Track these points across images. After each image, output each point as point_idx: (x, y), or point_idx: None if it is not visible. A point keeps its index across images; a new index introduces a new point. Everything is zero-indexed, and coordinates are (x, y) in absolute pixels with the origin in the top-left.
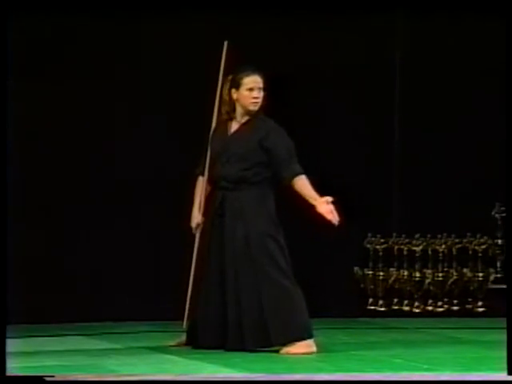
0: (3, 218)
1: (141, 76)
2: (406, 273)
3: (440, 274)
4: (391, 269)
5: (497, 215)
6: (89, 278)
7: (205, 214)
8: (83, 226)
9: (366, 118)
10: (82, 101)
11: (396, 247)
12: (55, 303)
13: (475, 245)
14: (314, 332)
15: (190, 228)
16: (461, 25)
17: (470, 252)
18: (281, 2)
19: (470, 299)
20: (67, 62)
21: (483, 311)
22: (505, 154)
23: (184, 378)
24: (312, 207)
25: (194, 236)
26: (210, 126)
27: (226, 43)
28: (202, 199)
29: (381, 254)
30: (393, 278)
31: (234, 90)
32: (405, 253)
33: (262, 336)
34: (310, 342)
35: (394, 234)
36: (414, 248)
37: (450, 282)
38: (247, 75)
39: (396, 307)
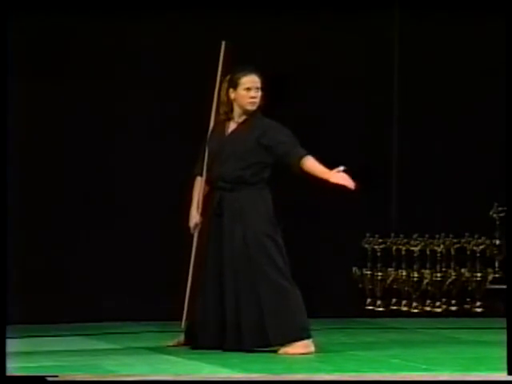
0: (3, 218)
1: (140, 76)
2: (404, 273)
3: (438, 274)
4: (389, 269)
5: (495, 215)
6: (88, 279)
7: (203, 214)
8: (82, 227)
9: (364, 118)
10: (82, 101)
11: (394, 247)
12: (54, 303)
13: (473, 245)
14: (313, 332)
15: (189, 228)
16: (460, 24)
17: (468, 252)
18: (280, 1)
19: (468, 299)
20: (67, 62)
21: (481, 311)
22: (503, 155)
23: (182, 378)
24: (324, 184)
25: (192, 236)
26: (208, 126)
27: (223, 43)
28: (200, 199)
29: (379, 254)
30: (391, 278)
31: (231, 90)
32: (403, 253)
33: (260, 336)
34: (308, 342)
35: (393, 234)
36: (413, 248)
37: (448, 282)
38: (245, 75)
39: (394, 307)
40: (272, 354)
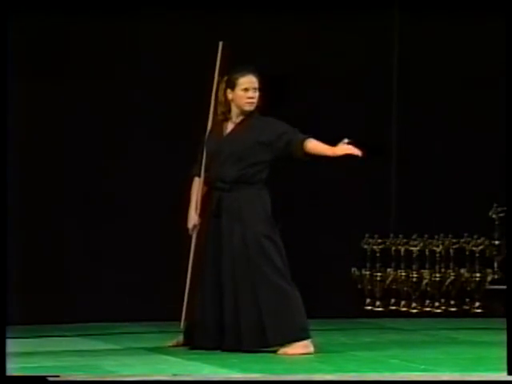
0: (3, 218)
1: (140, 76)
2: (403, 273)
3: (437, 275)
4: (388, 269)
5: (494, 216)
6: (88, 279)
7: (201, 215)
8: (82, 227)
9: (363, 118)
10: (81, 100)
11: (393, 248)
12: (54, 304)
13: (472, 245)
14: (312, 333)
15: (187, 229)
16: (460, 24)
17: (468, 253)
18: (280, 1)
19: (467, 300)
20: (67, 62)
21: (480, 312)
22: (503, 155)
23: (182, 378)
24: (331, 160)
25: (191, 237)
26: (206, 127)
27: (221, 43)
28: (199, 200)
29: (378, 254)
30: (390, 279)
31: (229, 91)
32: (402, 253)
33: (259, 337)
34: (307, 342)
35: (392, 235)
36: (412, 248)
37: (447, 283)
38: (242, 75)
39: (393, 308)
40: (271, 355)
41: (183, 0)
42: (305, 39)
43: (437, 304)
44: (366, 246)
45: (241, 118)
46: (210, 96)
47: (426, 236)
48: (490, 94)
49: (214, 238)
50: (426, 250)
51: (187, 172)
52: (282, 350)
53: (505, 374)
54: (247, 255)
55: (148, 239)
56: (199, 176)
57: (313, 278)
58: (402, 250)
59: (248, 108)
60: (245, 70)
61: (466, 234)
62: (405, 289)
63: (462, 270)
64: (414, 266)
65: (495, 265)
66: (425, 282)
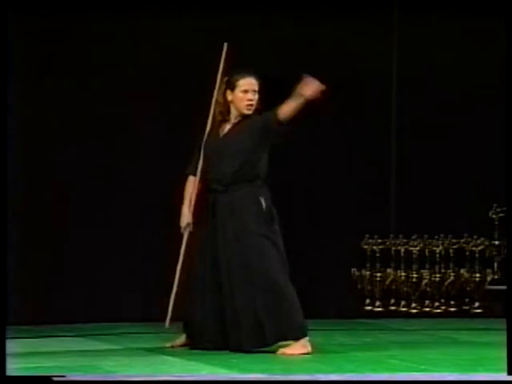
0: (3, 218)
1: (140, 76)
2: (403, 273)
3: (437, 275)
4: (388, 269)
5: (494, 216)
6: (86, 279)
7: (195, 214)
8: (82, 226)
9: (363, 118)
10: (81, 100)
11: (393, 248)
12: (52, 304)
13: (472, 246)
14: (311, 332)
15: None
16: (459, 25)
17: (467, 253)
18: (279, 2)
19: (467, 300)
20: (67, 62)
21: (480, 312)
22: (502, 155)
23: (181, 378)
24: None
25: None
26: (205, 127)
27: (225, 45)
28: (193, 198)
29: (378, 254)
30: (390, 279)
31: (229, 92)
32: (402, 254)
33: (256, 336)
34: (305, 342)
35: (391, 235)
36: (411, 249)
37: (447, 283)
38: (242, 77)
39: (393, 308)
40: (271, 355)
41: (184, 1)
42: (305, 39)
43: (436, 304)
44: (365, 247)
45: (238, 119)
46: (211, 97)
47: (426, 236)
48: (490, 94)
49: (209, 240)
50: (426, 251)
51: (183, 171)
52: (281, 351)
53: (505, 374)
54: (242, 255)
55: (148, 239)
56: (194, 175)
57: (313, 278)
58: (402, 250)
59: (247, 111)
60: (245, 72)
61: (465, 235)
62: (405, 289)
63: (462, 271)
64: (414, 267)
65: (495, 265)
66: (424, 282)
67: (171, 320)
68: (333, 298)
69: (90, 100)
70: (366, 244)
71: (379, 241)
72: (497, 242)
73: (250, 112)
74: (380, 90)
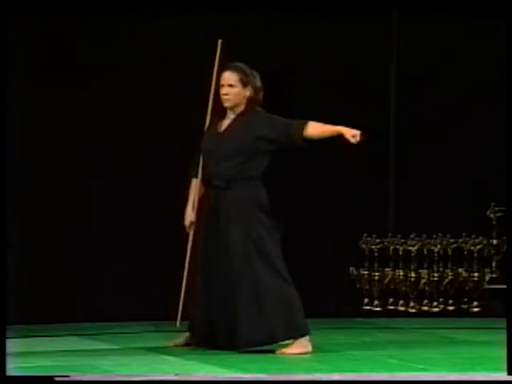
0: (3, 218)
1: (140, 76)
2: (401, 273)
3: (435, 274)
4: (387, 269)
5: (492, 215)
6: (85, 279)
7: (199, 213)
8: (81, 226)
9: (361, 118)
10: (81, 100)
11: (391, 247)
12: (50, 304)
13: (471, 245)
14: (310, 332)
15: (184, 227)
16: (459, 25)
17: (466, 252)
18: (279, 1)
19: (465, 299)
20: (67, 62)
21: (478, 311)
22: (500, 155)
23: (180, 378)
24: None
25: (187, 236)
26: (203, 126)
27: (220, 42)
28: (196, 198)
29: (376, 254)
30: (388, 278)
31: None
32: (400, 253)
33: (259, 335)
34: (305, 342)
35: (390, 234)
36: (410, 248)
37: (445, 282)
38: (222, 72)
39: (391, 307)
40: (269, 354)
41: (183, 1)
42: (304, 39)
43: (435, 303)
44: (364, 246)
45: (234, 115)
46: (208, 94)
47: (424, 236)
48: (489, 94)
49: (211, 237)
50: (424, 250)
51: (185, 171)
52: (280, 350)
53: (504, 373)
54: (244, 253)
55: (146, 239)
56: (196, 177)
57: (311, 277)
58: (400, 249)
59: (224, 104)
60: (226, 66)
61: (464, 234)
62: (403, 288)
63: (460, 270)
64: (412, 266)
65: (493, 264)
66: (423, 281)
67: (182, 319)
68: (331, 298)
69: (90, 100)
70: (364, 243)
71: (377, 240)
72: (495, 241)
73: (227, 104)
74: (379, 90)
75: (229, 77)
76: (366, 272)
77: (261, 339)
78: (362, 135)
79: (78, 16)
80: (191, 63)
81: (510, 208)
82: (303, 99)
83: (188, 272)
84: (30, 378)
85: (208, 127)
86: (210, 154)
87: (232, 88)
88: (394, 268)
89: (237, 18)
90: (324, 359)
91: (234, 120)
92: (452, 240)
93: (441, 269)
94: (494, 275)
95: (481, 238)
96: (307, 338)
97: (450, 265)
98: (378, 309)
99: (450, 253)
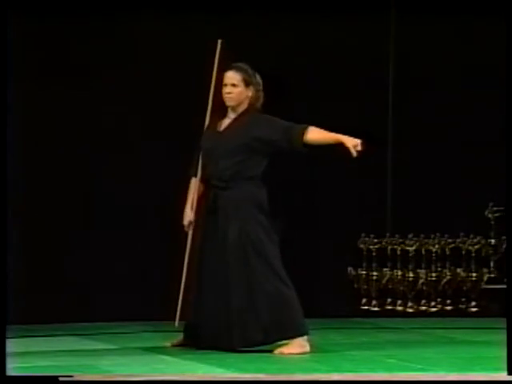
0: (3, 218)
1: (139, 76)
2: (399, 273)
3: (433, 274)
4: (385, 269)
5: (490, 215)
6: (84, 279)
7: (197, 213)
8: (80, 227)
9: (360, 118)
10: (81, 101)
11: (389, 247)
12: (49, 304)
13: (469, 245)
14: (308, 332)
15: (183, 227)
16: (457, 25)
17: (464, 252)
18: (279, 2)
19: (463, 299)
20: (67, 62)
21: (476, 311)
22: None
23: (178, 378)
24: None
25: (186, 235)
26: (203, 125)
27: (219, 42)
28: (195, 198)
29: (374, 254)
30: (386, 278)
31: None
32: (398, 253)
33: (255, 335)
34: (303, 342)
35: (388, 234)
36: (408, 248)
37: (443, 282)
38: (225, 72)
39: (389, 307)
40: (268, 354)
41: (183, 1)
42: (304, 40)
43: (433, 303)
44: (362, 246)
45: (235, 114)
46: (208, 94)
47: (422, 235)
48: (489, 95)
49: (210, 237)
50: (422, 250)
51: (184, 171)
52: (279, 350)
53: (504, 373)
54: (242, 253)
55: (146, 239)
56: (196, 176)
57: (309, 277)
58: (398, 249)
59: (227, 103)
60: (229, 66)
61: (462, 234)
62: (401, 288)
63: (458, 270)
64: (410, 266)
65: (491, 264)
66: (421, 281)
67: (180, 319)
68: (329, 298)
69: (90, 100)
70: (362, 243)
71: (375, 240)
72: (493, 241)
73: (229, 103)
74: (378, 90)
75: (232, 76)
76: (364, 272)
77: (257, 339)
78: (362, 144)
79: (78, 16)
80: (191, 63)
81: (510, 208)
82: (303, 99)
83: (187, 272)
84: (34, 378)
85: (208, 126)
86: (209, 152)
87: (235, 87)
88: (392, 268)
89: (236, 19)
90: (322, 359)
91: (235, 120)
92: (450, 240)
93: (439, 269)
94: (492, 275)
95: (479, 237)
96: (305, 337)
97: (448, 265)
98: (376, 309)
99: (448, 253)
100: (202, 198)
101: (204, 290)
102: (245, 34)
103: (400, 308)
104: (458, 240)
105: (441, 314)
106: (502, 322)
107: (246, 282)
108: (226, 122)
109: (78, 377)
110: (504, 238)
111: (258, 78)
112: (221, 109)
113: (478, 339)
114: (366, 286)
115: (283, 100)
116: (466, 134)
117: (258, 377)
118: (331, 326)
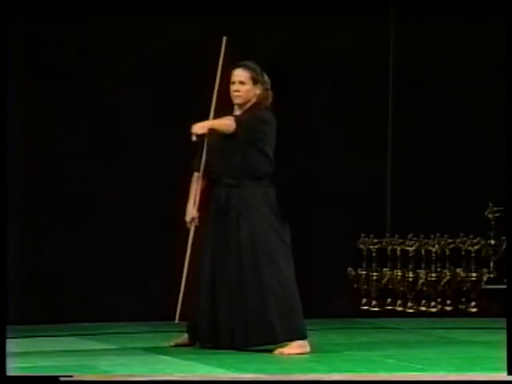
0: (3, 218)
1: (140, 74)
2: (399, 273)
3: (433, 275)
4: (385, 269)
5: (490, 215)
6: (84, 279)
7: (201, 210)
8: (80, 227)
9: (360, 118)
10: (81, 101)
11: (389, 247)
12: (49, 304)
13: (468, 245)
14: (308, 332)
15: (184, 226)
16: (457, 25)
17: (463, 252)
18: (280, 4)
19: (463, 299)
20: (67, 62)
21: (476, 311)
22: (498, 155)
23: (178, 378)
24: None
25: (187, 234)
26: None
27: (224, 39)
28: (198, 194)
29: (374, 254)
30: (386, 279)
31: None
32: (398, 253)
33: (259, 335)
34: (303, 342)
35: (388, 235)
36: (408, 248)
37: (443, 283)
38: (233, 69)
39: (389, 307)
40: (267, 354)
41: (183, 1)
42: (303, 39)
43: (433, 304)
44: (362, 246)
45: (241, 111)
46: (212, 92)
47: (422, 236)
48: (488, 95)
49: (218, 236)
50: (422, 250)
51: (186, 169)
52: (279, 350)
53: (504, 373)
54: (252, 253)
55: (145, 239)
56: (198, 171)
57: (309, 277)
58: (398, 249)
59: (235, 101)
60: (237, 64)
61: (461, 234)
62: (401, 288)
63: (458, 270)
64: (410, 266)
65: (491, 264)
66: (421, 281)
67: (180, 317)
68: (329, 298)
69: (90, 100)
70: (362, 243)
71: (375, 240)
72: (493, 242)
73: (237, 101)
74: (377, 90)
75: (240, 74)
76: (364, 272)
77: (263, 339)
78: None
79: (78, 16)
80: (191, 63)
81: (510, 208)
82: (302, 99)
83: (188, 269)
84: (34, 378)
85: None
86: (216, 150)
87: (243, 85)
88: (392, 268)
89: (237, 18)
90: (322, 359)
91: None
92: (450, 240)
93: (439, 269)
94: (492, 275)
95: (479, 238)
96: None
97: (447, 265)
98: (375, 309)
99: (447, 253)
100: (204, 194)
101: (212, 289)
102: (245, 33)
103: (400, 308)
104: (458, 240)
105: (441, 314)
106: (502, 322)
107: (254, 282)
108: None
109: (77, 377)
110: (504, 238)
111: (266, 77)
112: (225, 106)
113: (477, 339)
114: (365, 286)
115: (283, 99)
116: (466, 134)
117: (258, 377)
118: (331, 326)
